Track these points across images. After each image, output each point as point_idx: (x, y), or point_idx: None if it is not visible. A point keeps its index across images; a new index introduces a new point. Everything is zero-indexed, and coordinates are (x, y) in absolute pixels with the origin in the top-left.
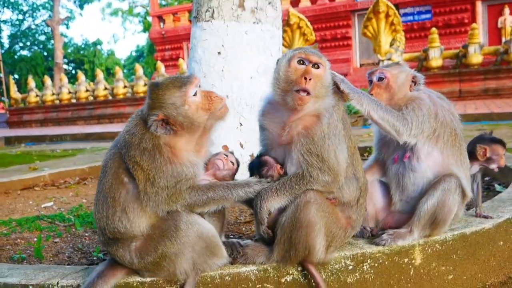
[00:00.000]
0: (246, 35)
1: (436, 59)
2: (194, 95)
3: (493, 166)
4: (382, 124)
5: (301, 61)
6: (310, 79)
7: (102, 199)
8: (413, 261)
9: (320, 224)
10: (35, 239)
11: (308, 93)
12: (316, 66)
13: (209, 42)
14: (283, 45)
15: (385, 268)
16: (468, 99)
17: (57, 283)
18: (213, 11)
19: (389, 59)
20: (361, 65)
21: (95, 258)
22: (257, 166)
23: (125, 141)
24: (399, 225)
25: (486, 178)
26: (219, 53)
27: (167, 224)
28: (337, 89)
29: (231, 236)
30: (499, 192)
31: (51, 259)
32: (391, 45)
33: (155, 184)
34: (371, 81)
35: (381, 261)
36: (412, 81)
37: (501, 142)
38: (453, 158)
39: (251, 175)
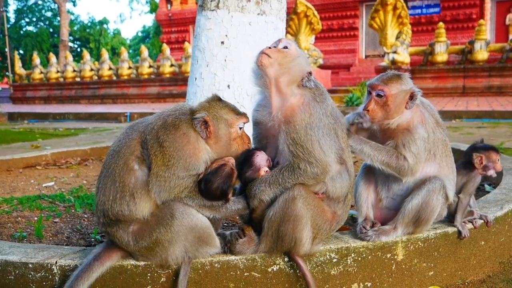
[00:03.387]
0: (250, 26)
1: (441, 54)
2: (240, 128)
3: (491, 173)
4: (384, 169)
5: (273, 45)
6: (272, 47)
7: (110, 182)
8: (395, 257)
9: (307, 217)
10: (36, 218)
11: (269, 57)
12: (285, 47)
13: (213, 32)
14: (289, 33)
15: (368, 262)
16: (471, 95)
17: (56, 262)
18: (219, 1)
19: (395, 52)
20: (366, 56)
21: (92, 239)
22: (243, 165)
23: (165, 123)
24: (386, 221)
25: None
26: (222, 42)
27: (164, 212)
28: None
29: (225, 224)
30: (488, 192)
31: (51, 238)
32: (397, 38)
33: (170, 169)
34: (369, 93)
35: (364, 255)
36: (410, 97)
37: (494, 149)
38: (446, 166)
39: (239, 171)
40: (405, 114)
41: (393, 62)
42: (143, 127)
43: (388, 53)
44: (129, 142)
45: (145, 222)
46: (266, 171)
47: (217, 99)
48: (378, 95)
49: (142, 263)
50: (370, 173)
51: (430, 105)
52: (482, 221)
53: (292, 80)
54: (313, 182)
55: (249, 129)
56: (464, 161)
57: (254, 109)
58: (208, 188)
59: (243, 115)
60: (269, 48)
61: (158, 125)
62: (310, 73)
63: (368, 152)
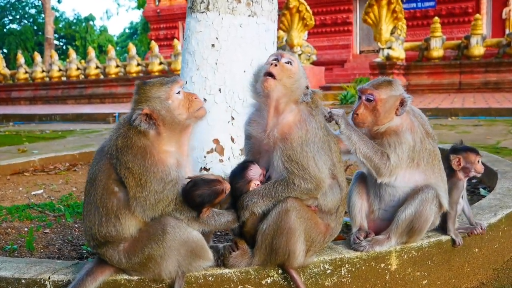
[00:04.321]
0: (240, 28)
1: (437, 49)
2: (177, 93)
3: (472, 174)
4: (365, 162)
5: (275, 59)
6: (276, 65)
7: (94, 209)
8: (389, 266)
9: (300, 230)
10: (26, 229)
11: (274, 78)
12: (288, 62)
13: (203, 34)
14: (281, 29)
15: (362, 272)
16: (467, 91)
17: (49, 278)
18: (208, 2)
19: (390, 47)
20: (361, 52)
21: (84, 251)
22: (233, 177)
23: (117, 146)
24: (379, 231)
25: (473, 181)
26: (213, 45)
27: (155, 227)
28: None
29: (218, 233)
30: (483, 196)
31: (42, 250)
32: (392, 33)
33: (145, 188)
34: (360, 97)
35: (358, 266)
36: (400, 103)
37: (473, 150)
38: (433, 175)
39: (231, 181)
40: (394, 120)
41: (388, 57)
42: (106, 151)
43: (382, 49)
44: (102, 167)
45: (135, 239)
46: (257, 184)
47: (141, 85)
48: (368, 100)
49: (135, 277)
50: (363, 182)
51: (421, 114)
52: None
53: (292, 99)
54: (306, 197)
55: (241, 123)
56: (447, 165)
57: (246, 123)
58: (191, 190)
59: (173, 81)
60: (275, 65)
61: (114, 150)
62: (307, 87)
63: (355, 140)
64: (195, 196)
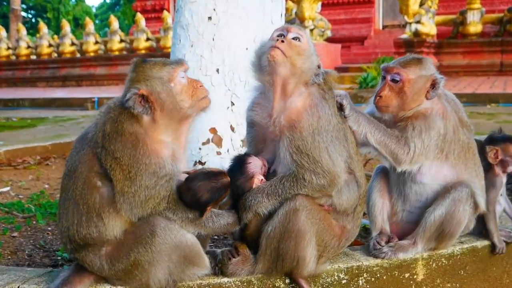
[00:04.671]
0: None
1: (475, 23)
2: (182, 77)
3: (511, 169)
4: (379, 149)
5: (281, 34)
6: (283, 41)
7: (73, 205)
8: (415, 277)
9: (311, 232)
10: None
11: (284, 55)
12: (295, 38)
13: (198, 5)
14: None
15: (383, 283)
16: (510, 74)
17: None
18: None
19: (418, 21)
20: (384, 27)
21: (59, 258)
22: (233, 173)
23: (104, 132)
24: (403, 235)
25: None
26: (209, 18)
27: (143, 229)
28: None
29: (215, 237)
30: None
31: (9, 257)
32: (421, 4)
33: (135, 182)
34: (384, 77)
35: (378, 275)
36: (431, 85)
37: None
38: (466, 171)
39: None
40: (424, 104)
41: (416, 33)
42: (90, 138)
43: (410, 23)
44: (84, 158)
45: (120, 241)
46: (261, 180)
47: (140, 62)
48: (394, 80)
49: (119, 287)
50: (385, 178)
51: (455, 100)
52: None
53: (301, 80)
54: (319, 195)
55: (242, 109)
56: (482, 158)
57: (249, 108)
58: (195, 185)
59: (179, 62)
60: (282, 41)
61: (100, 137)
62: (319, 66)
63: (364, 123)
64: (202, 191)
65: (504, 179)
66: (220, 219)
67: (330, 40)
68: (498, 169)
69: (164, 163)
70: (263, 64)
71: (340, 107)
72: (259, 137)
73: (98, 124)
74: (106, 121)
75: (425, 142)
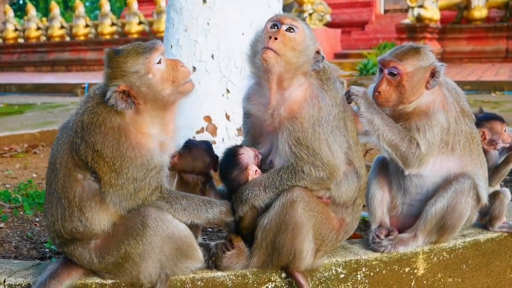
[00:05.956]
0: None
1: (479, 8)
2: (158, 63)
3: (500, 146)
4: (389, 151)
5: (274, 25)
6: (276, 38)
7: (56, 200)
8: (415, 271)
9: (308, 225)
10: None
11: (277, 54)
12: (290, 29)
13: None
14: None
15: (382, 277)
16: None
17: (4, 281)
18: None
19: (421, 6)
20: (385, 12)
21: (47, 250)
22: (226, 166)
23: (83, 124)
24: (404, 229)
25: None
26: (204, 1)
27: (133, 220)
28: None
29: (209, 229)
30: None
31: None
32: None
33: (121, 175)
34: (381, 70)
35: (377, 269)
36: (431, 74)
37: (496, 118)
38: (472, 162)
39: (221, 174)
40: (424, 96)
41: (419, 18)
42: (70, 128)
43: (412, 8)
44: (62, 149)
45: (109, 234)
46: (256, 170)
47: (112, 55)
48: (391, 74)
49: (109, 281)
50: (384, 169)
51: (456, 88)
52: None
53: (299, 72)
54: (317, 187)
55: (237, 96)
56: None
57: (244, 99)
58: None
59: (152, 48)
60: (275, 38)
61: (79, 127)
62: (318, 51)
63: (378, 124)
64: (209, 156)
65: (497, 154)
66: (213, 207)
67: (329, 25)
68: (487, 147)
69: (152, 155)
70: (257, 64)
71: (356, 104)
72: (256, 129)
73: (78, 113)
74: (84, 111)
75: (430, 141)
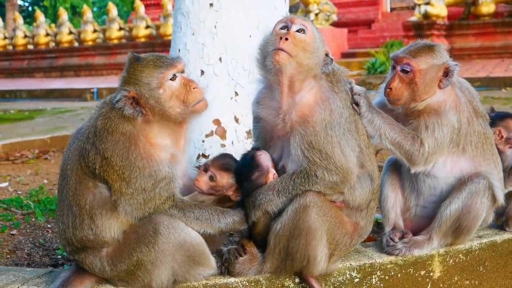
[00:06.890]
0: None
1: (487, 3)
2: (171, 79)
3: None
4: (393, 150)
5: (284, 26)
6: (286, 39)
7: (67, 208)
8: (431, 274)
9: (322, 230)
10: None
11: (290, 55)
12: (300, 30)
13: None
14: None
15: (397, 281)
16: None
17: None
18: None
19: (428, 3)
20: (392, 10)
21: (59, 257)
22: (247, 168)
23: (96, 129)
24: (418, 231)
25: None
26: (211, 4)
27: (145, 227)
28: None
29: None
30: None
31: (8, 256)
32: None
33: (130, 184)
34: (393, 67)
35: (392, 273)
36: (444, 73)
37: (511, 116)
38: (485, 162)
39: (239, 177)
40: (437, 95)
41: (426, 16)
42: (83, 133)
43: (419, 5)
44: (73, 155)
45: (121, 242)
46: (274, 174)
47: (133, 61)
48: (404, 71)
49: None
50: (396, 171)
51: (469, 88)
52: None
53: (310, 74)
54: (331, 192)
55: (246, 99)
56: None
57: (254, 103)
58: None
59: (172, 64)
60: (286, 39)
61: (92, 133)
62: (327, 54)
63: (378, 124)
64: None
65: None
66: (226, 216)
67: (336, 24)
68: (502, 147)
69: (159, 166)
70: (268, 66)
71: (356, 105)
72: (266, 133)
73: (92, 119)
74: (98, 116)
75: (439, 140)
